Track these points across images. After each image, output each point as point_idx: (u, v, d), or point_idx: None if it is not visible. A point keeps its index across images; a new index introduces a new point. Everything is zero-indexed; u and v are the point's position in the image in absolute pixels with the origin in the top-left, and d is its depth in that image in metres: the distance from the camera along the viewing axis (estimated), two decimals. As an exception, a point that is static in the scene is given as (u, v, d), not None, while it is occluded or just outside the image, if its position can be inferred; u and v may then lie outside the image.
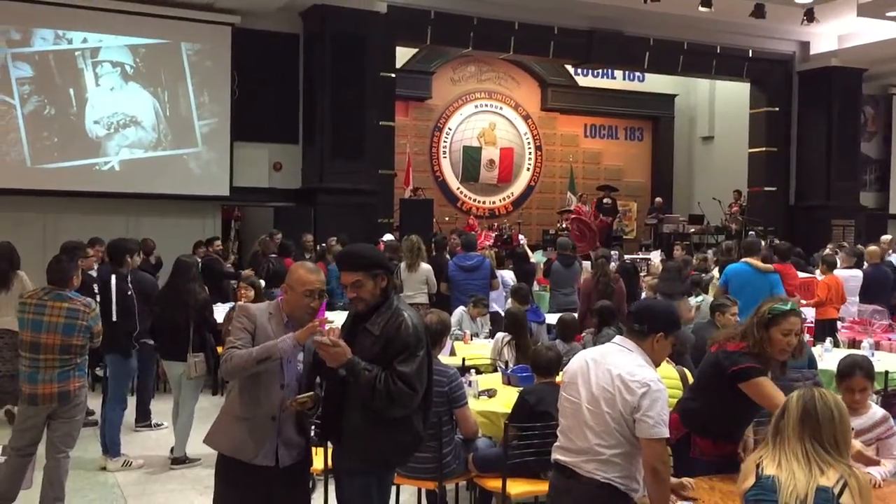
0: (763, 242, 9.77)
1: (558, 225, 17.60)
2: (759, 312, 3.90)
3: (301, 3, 13.38)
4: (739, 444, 3.85)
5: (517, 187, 20.00)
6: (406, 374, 3.34)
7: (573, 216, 17.26)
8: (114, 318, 6.50)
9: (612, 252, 12.12)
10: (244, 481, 3.48)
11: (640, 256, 14.78)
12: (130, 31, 12.81)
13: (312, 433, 3.72)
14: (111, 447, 6.58)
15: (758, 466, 2.86)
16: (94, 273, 8.24)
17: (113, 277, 6.73)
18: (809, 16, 14.81)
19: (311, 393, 3.52)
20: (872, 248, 10.73)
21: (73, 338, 5.04)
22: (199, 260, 8.70)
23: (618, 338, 3.53)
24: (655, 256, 14.86)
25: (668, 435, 3.28)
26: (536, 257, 13.33)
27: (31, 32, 12.39)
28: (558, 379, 5.31)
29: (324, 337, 3.32)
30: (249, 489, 3.49)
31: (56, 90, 12.55)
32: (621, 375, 3.30)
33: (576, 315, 9.13)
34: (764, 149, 18.03)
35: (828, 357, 6.89)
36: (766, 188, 18.00)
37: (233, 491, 3.52)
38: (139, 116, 12.99)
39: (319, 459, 4.50)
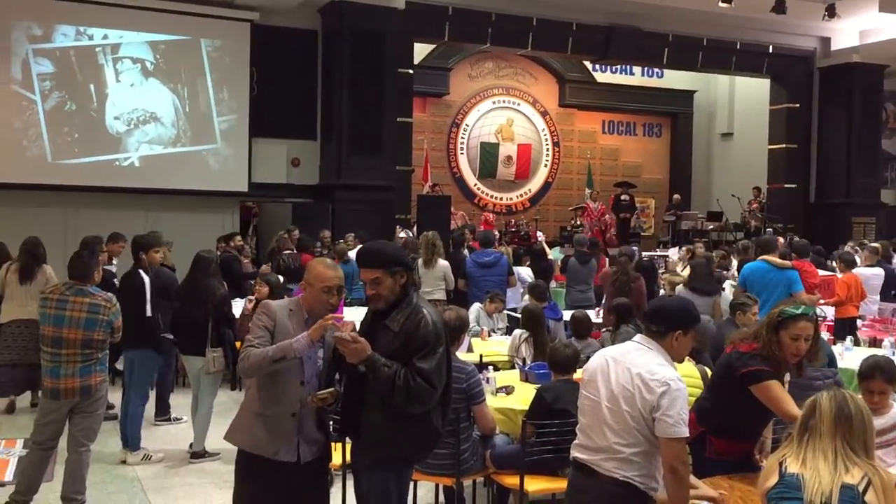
0: (780, 240, 9.67)
1: (573, 222, 17.59)
2: (771, 314, 3.88)
3: (320, 0, 13.40)
4: (756, 445, 3.82)
5: (534, 184, 19.97)
6: (425, 370, 3.35)
7: (584, 213, 17.27)
8: (148, 314, 6.55)
9: (633, 248, 12.06)
10: (265, 477, 3.50)
11: (658, 253, 14.71)
12: (151, 27, 12.90)
13: (332, 429, 3.73)
14: (132, 441, 6.63)
15: (781, 465, 2.86)
16: (113, 268, 8.35)
17: (142, 273, 6.72)
18: (831, 11, 14.69)
19: (332, 389, 3.53)
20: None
21: (95, 332, 5.09)
22: (218, 255, 8.74)
23: (638, 336, 3.51)
24: (673, 253, 14.82)
25: (687, 434, 3.26)
26: (553, 254, 13.32)
27: (53, 28, 12.50)
28: (576, 376, 5.32)
29: (344, 333, 3.33)
30: (270, 485, 3.51)
31: (77, 86, 12.66)
32: (641, 374, 3.28)
33: (589, 312, 9.19)
34: (784, 145, 17.91)
35: (848, 356, 6.85)
36: (786, 185, 17.88)
37: (253, 487, 3.54)
38: (159, 112, 13.08)
39: (337, 455, 4.52)
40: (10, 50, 12.20)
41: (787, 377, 3.99)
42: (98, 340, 5.12)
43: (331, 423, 3.76)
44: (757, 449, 3.81)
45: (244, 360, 3.45)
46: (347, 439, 3.82)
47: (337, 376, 3.68)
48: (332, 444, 3.92)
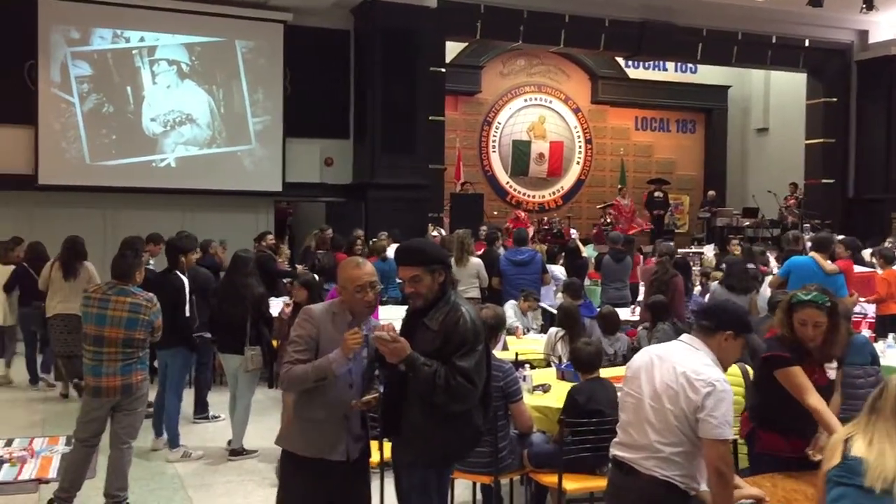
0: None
1: (601, 220, 17.52)
2: (786, 298, 3.99)
3: (352, 0, 13.45)
4: (812, 443, 3.75)
5: (567, 181, 19.88)
6: (466, 368, 3.35)
7: (615, 210, 17.20)
8: (187, 314, 6.63)
9: (670, 244, 11.95)
10: (314, 477, 3.53)
11: (693, 250, 14.59)
12: (186, 29, 13.06)
13: (374, 430, 3.75)
14: (171, 438, 6.72)
15: (846, 444, 2.83)
16: (151, 267, 8.45)
17: (180, 274, 6.80)
18: (868, 4, 14.46)
19: (376, 394, 3.56)
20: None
21: (136, 332, 5.16)
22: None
23: (685, 336, 3.47)
24: (708, 250, 14.68)
25: (731, 437, 3.23)
26: (587, 252, 13.26)
27: (90, 32, 12.68)
28: (607, 374, 5.31)
29: (383, 333, 3.34)
30: (317, 483, 3.54)
31: (114, 88, 12.84)
32: (686, 373, 3.24)
33: (624, 310, 9.14)
34: (821, 140, 17.65)
35: (890, 353, 6.75)
36: (824, 180, 17.63)
37: (302, 487, 3.57)
38: (194, 114, 13.23)
39: (374, 453, 4.54)
40: (49, 53, 12.41)
41: (834, 365, 3.95)
42: (139, 339, 5.19)
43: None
44: (812, 446, 3.73)
45: (286, 378, 3.49)
46: (388, 437, 3.83)
47: (377, 374, 3.70)
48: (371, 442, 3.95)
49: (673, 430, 3.23)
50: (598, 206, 18.43)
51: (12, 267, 9.04)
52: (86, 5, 12.47)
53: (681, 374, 3.25)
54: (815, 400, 3.71)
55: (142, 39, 12.93)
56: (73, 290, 7.65)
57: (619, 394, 3.64)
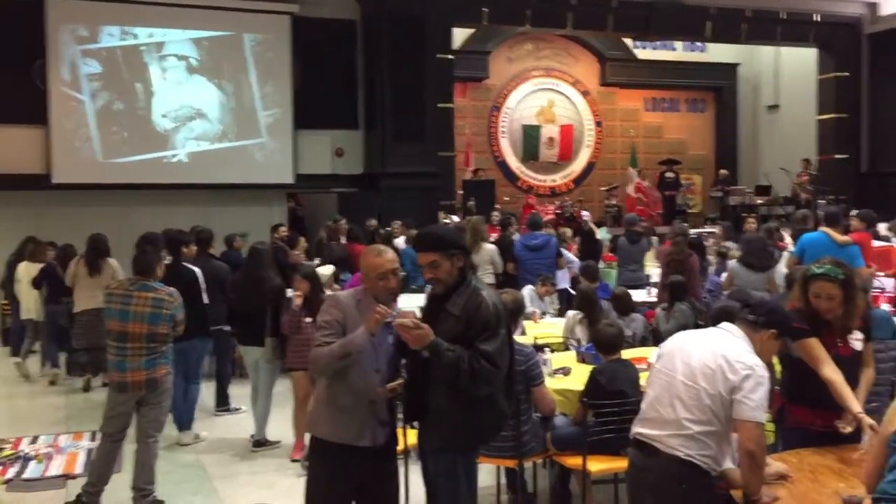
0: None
1: (606, 201, 17.49)
2: (802, 271, 4.07)
3: (358, -11, 13.48)
4: (843, 416, 3.73)
5: (578, 164, 19.83)
6: (489, 352, 3.37)
7: (636, 192, 17.17)
8: (205, 301, 6.73)
9: (685, 225, 11.93)
10: (341, 462, 3.58)
11: (707, 230, 14.52)
12: (194, 24, 13.09)
13: (399, 415, 3.78)
14: (186, 422, 6.90)
15: None
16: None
17: (189, 266, 6.91)
18: (878, -24, 14.32)
19: (401, 380, 3.59)
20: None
21: (159, 326, 5.21)
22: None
23: (726, 324, 3.48)
24: (718, 229, 14.61)
25: (764, 421, 3.24)
26: (601, 234, 13.24)
27: (99, 29, 12.73)
28: (626, 355, 5.31)
29: (406, 320, 3.36)
30: (345, 469, 3.58)
31: (124, 85, 12.89)
32: (726, 355, 3.26)
33: (640, 291, 9.14)
34: (833, 115, 17.52)
35: (910, 328, 6.71)
36: (837, 156, 17.50)
37: (330, 471, 3.61)
38: (204, 109, 13.29)
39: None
40: (58, 52, 12.46)
41: (859, 336, 3.94)
42: (162, 334, 5.25)
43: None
44: (842, 418, 3.72)
45: (313, 359, 3.56)
46: (413, 423, 3.86)
47: (402, 361, 3.72)
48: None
49: (704, 408, 3.23)
50: (602, 189, 18.41)
51: (41, 265, 9.39)
52: (94, 3, 12.53)
53: (720, 356, 3.26)
54: (829, 371, 3.72)
55: (150, 35, 12.97)
56: (98, 285, 7.94)
57: (646, 372, 3.64)
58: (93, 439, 6.72)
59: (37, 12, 12.23)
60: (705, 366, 3.27)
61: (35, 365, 9.67)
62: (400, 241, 10.61)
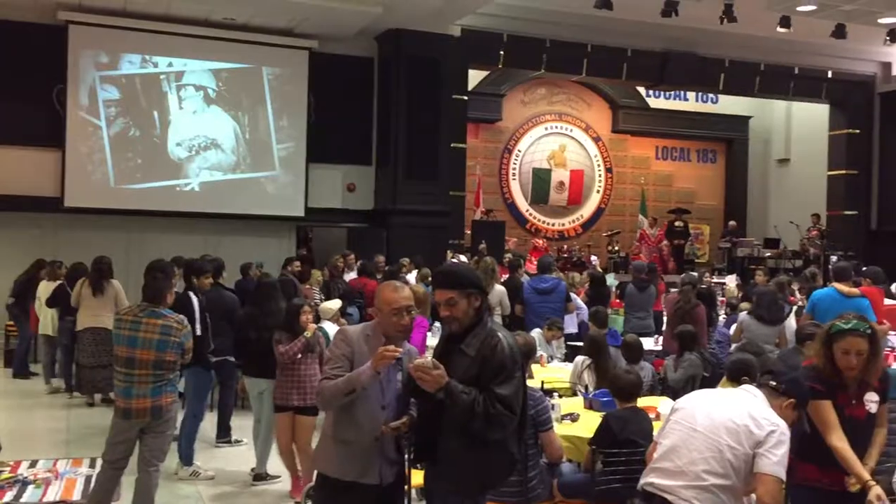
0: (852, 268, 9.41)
1: (608, 247, 17.51)
2: (824, 328, 3.93)
3: (377, 28, 13.60)
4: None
5: (587, 209, 19.88)
6: (505, 396, 3.32)
7: (641, 240, 17.22)
8: (198, 332, 6.68)
9: (694, 274, 11.91)
10: (346, 499, 3.52)
11: (715, 280, 14.50)
12: (214, 55, 13.23)
13: (408, 454, 3.73)
14: (185, 456, 6.77)
15: None
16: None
17: (191, 295, 6.90)
18: (893, 36, 14.46)
19: (404, 419, 3.54)
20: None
21: (167, 353, 5.18)
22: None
23: (748, 386, 3.51)
24: (731, 281, 14.59)
25: (784, 478, 3.22)
26: (609, 280, 13.20)
27: (119, 56, 12.87)
28: (641, 403, 5.25)
29: (425, 360, 3.33)
30: None
31: (141, 112, 12.99)
32: (751, 412, 3.28)
33: (648, 339, 9.09)
34: (844, 171, 17.61)
35: (922, 387, 6.64)
36: (846, 212, 17.56)
37: None
38: (220, 139, 13.36)
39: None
40: (78, 77, 12.59)
41: (873, 398, 3.88)
42: (169, 361, 5.21)
43: (407, 446, 3.76)
44: (852, 478, 3.67)
45: (321, 394, 3.52)
46: (423, 465, 3.80)
47: (412, 400, 3.68)
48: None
49: (724, 462, 3.20)
50: (604, 234, 18.46)
51: (56, 284, 9.84)
52: (116, 31, 12.67)
53: (745, 413, 3.28)
54: (836, 439, 3.69)
55: (170, 65, 13.09)
56: (101, 305, 8.40)
57: (661, 422, 3.61)
58: (92, 466, 6.64)
59: (60, 38, 12.38)
60: (730, 420, 3.27)
61: (40, 382, 10.06)
62: (410, 278, 10.60)
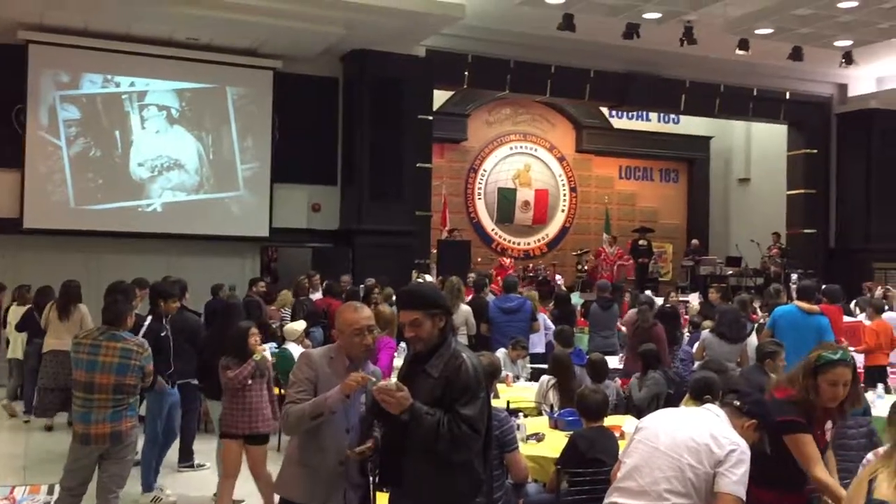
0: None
1: (577, 266, 17.60)
2: (808, 359, 3.81)
3: (341, 48, 13.61)
4: (808, 496, 3.74)
5: (552, 229, 20.00)
6: (470, 416, 3.32)
7: (600, 257, 17.37)
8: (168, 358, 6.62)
9: (648, 293, 12.03)
10: None
11: (681, 298, 14.64)
12: (178, 75, 13.10)
13: (372, 477, 3.71)
14: (146, 482, 6.68)
15: (870, 484, 2.66)
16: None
17: (148, 318, 6.84)
18: (848, 59, 14.78)
19: (369, 444, 3.53)
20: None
21: (127, 377, 5.10)
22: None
23: (711, 405, 3.52)
24: (694, 299, 14.75)
25: (744, 497, 3.23)
26: (574, 299, 13.27)
27: (80, 76, 12.71)
28: (606, 422, 5.28)
29: (389, 381, 3.32)
30: None
31: (102, 132, 12.83)
32: (712, 432, 3.30)
33: (613, 357, 9.15)
34: (802, 191, 17.94)
35: (880, 404, 6.77)
36: (805, 230, 17.86)
37: None
38: (183, 159, 13.23)
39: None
40: (38, 96, 12.41)
41: (829, 426, 3.91)
42: (129, 385, 5.13)
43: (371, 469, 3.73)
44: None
45: (285, 419, 3.49)
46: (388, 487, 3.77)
47: (375, 421, 3.66)
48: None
49: (685, 481, 3.23)
50: (574, 253, 18.59)
51: (25, 308, 9.90)
52: (77, 50, 12.51)
53: (706, 432, 3.30)
54: (821, 471, 3.66)
55: (132, 84, 12.96)
56: (67, 329, 8.39)
57: (626, 441, 3.63)
58: (50, 493, 6.52)
59: (20, 57, 12.21)
60: (691, 439, 3.28)
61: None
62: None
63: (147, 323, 6.76)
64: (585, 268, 17.69)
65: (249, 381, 5.74)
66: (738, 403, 3.45)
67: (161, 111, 13.10)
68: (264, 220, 13.60)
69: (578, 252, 18.36)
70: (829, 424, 3.89)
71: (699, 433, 3.29)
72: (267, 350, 6.47)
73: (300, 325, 8.65)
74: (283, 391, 8.31)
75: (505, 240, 19.47)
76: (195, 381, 7.23)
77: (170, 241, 13.04)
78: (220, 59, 13.26)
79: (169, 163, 13.13)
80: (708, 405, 3.52)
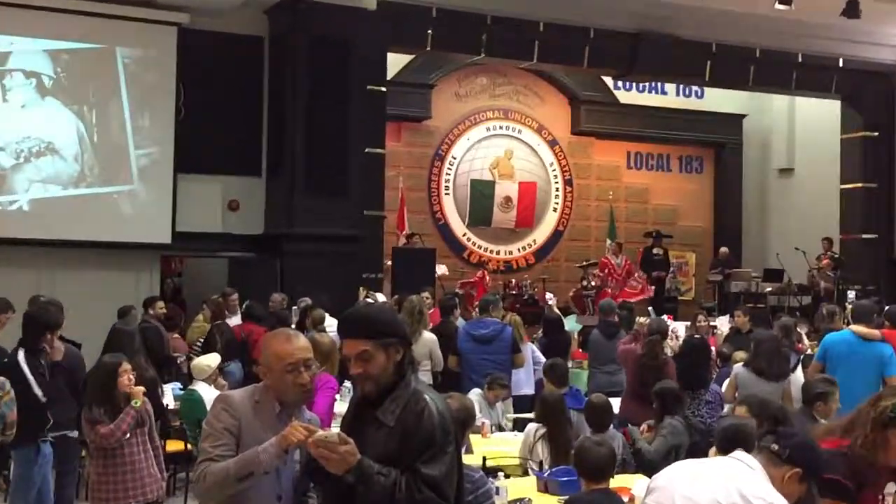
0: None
1: (583, 283, 17.58)
2: (878, 408, 3.84)
3: (267, -1, 13.66)
4: None
5: (541, 233, 20.09)
6: (434, 477, 3.33)
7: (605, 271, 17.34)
8: (42, 400, 6.55)
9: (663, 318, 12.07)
10: None
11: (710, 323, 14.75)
12: (51, 32, 13.00)
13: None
14: None
15: None
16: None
17: (22, 353, 6.76)
18: (917, 14, 15.03)
19: None
20: None
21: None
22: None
23: (740, 453, 3.52)
24: (723, 324, 14.85)
25: None
26: (569, 325, 13.34)
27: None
28: (618, 485, 5.31)
29: (328, 432, 3.33)
30: None
31: (-52, 107, 12.71)
32: (742, 489, 3.30)
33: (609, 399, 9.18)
34: (861, 185, 18.13)
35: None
36: (864, 235, 18.06)
37: None
38: (57, 143, 13.11)
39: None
40: None
41: (892, 489, 3.97)
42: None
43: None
44: None
45: (201, 481, 3.48)
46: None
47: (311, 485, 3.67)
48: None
49: None
50: (578, 265, 18.60)
51: None
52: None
53: (734, 491, 3.31)
54: None
55: (-11, 43, 12.86)
56: None
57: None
58: None
59: None
60: (715, 501, 3.31)
61: None
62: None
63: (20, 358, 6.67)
64: (593, 283, 17.48)
65: (128, 436, 5.69)
66: (777, 447, 3.45)
67: (29, 79, 12.98)
68: (165, 222, 13.52)
69: (584, 264, 18.27)
70: (891, 487, 3.96)
71: (726, 493, 3.31)
72: (169, 392, 6.49)
73: (213, 359, 8.62)
74: (188, 445, 8.40)
75: (480, 248, 19.53)
76: (75, 434, 7.14)
77: (40, 250, 12.93)
78: (106, 10, 13.16)
79: (39, 147, 13.01)
80: (738, 453, 3.51)
